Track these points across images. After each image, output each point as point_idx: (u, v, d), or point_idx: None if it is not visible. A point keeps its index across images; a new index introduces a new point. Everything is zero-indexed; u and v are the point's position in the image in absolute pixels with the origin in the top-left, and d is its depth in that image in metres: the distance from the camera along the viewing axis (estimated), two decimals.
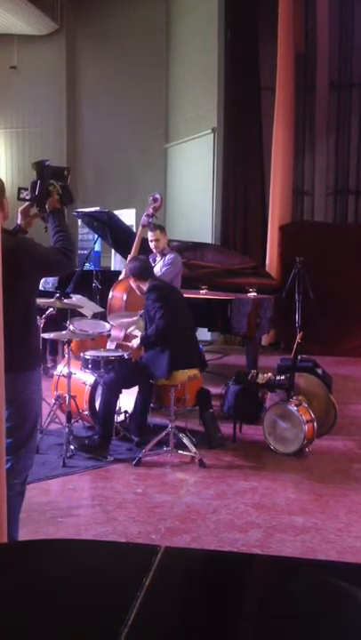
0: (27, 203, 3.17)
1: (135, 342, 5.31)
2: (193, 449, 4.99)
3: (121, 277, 6.32)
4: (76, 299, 6.46)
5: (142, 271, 5.17)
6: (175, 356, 4.94)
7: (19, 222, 3.19)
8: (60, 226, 3.16)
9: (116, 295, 6.10)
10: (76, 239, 11.86)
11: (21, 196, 3.14)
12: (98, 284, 8.09)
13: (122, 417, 5.51)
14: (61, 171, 3.27)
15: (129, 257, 6.23)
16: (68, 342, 5.22)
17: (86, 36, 13.20)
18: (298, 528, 3.90)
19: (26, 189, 3.13)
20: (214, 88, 11.17)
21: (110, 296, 6.16)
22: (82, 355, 5.44)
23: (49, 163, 3.22)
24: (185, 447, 5.03)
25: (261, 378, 5.77)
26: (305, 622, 1.31)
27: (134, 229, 7.68)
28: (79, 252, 11.30)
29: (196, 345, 5.29)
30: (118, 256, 9.85)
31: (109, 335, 5.95)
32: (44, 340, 5.98)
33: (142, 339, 5.14)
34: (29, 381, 3.08)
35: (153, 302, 4.99)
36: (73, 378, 5.19)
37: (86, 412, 5.34)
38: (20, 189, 3.12)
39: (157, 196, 6.29)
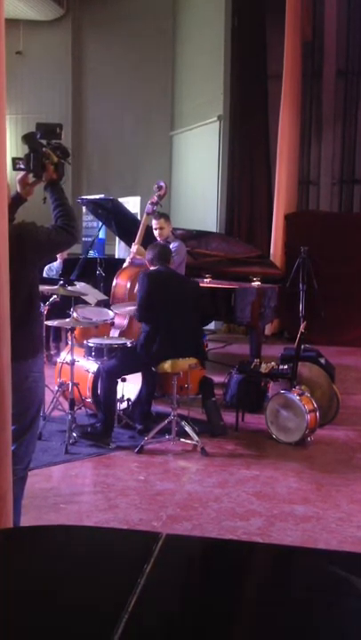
0: (23, 172, 3.15)
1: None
2: (195, 437, 5.00)
3: (125, 265, 6.31)
4: (79, 286, 6.47)
5: (153, 256, 5.20)
6: (160, 345, 4.97)
7: (18, 191, 3.18)
8: (59, 199, 3.14)
9: (120, 283, 6.09)
10: (81, 227, 11.85)
11: (17, 166, 3.12)
12: (102, 271, 8.08)
13: (124, 404, 5.52)
14: (53, 128, 3.24)
15: (133, 245, 6.23)
16: (72, 330, 5.23)
17: (92, 21, 13.11)
18: (299, 517, 3.92)
19: (21, 159, 3.11)
20: (221, 76, 11.11)
21: (114, 284, 6.15)
22: (85, 342, 5.44)
23: (40, 135, 3.19)
24: (187, 435, 5.04)
25: (264, 367, 5.77)
26: (304, 610, 1.32)
27: (139, 217, 7.65)
28: (84, 239, 11.29)
29: (189, 336, 5.23)
30: (122, 244, 9.85)
31: (113, 323, 5.95)
32: (47, 327, 6.00)
33: (134, 314, 5.29)
34: (31, 369, 3.09)
35: (139, 286, 5.08)
36: (76, 365, 5.19)
37: (89, 400, 5.35)
38: (14, 160, 3.09)
39: (162, 183, 6.27)
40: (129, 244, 7.12)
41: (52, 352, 7.84)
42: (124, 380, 5.25)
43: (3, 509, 2.51)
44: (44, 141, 3.18)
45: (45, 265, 8.63)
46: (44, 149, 3.14)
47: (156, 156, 12.84)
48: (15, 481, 2.94)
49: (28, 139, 3.15)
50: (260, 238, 10.64)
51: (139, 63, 12.67)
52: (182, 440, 5.06)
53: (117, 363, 5.13)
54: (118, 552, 1.55)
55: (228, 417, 5.57)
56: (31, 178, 3.15)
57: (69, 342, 5.24)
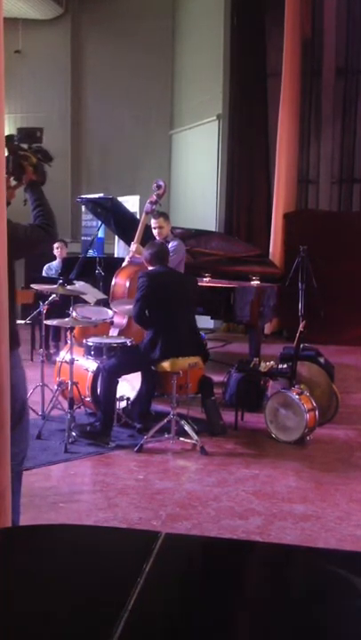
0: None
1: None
2: (195, 436, 5.00)
3: (124, 264, 6.31)
4: (79, 285, 6.47)
5: (151, 256, 5.21)
6: (164, 345, 4.98)
7: None
8: (38, 200, 3.15)
9: (119, 282, 6.09)
10: (80, 226, 11.86)
11: None
12: (101, 270, 8.09)
13: (124, 404, 5.52)
14: (34, 132, 3.24)
15: (132, 244, 6.23)
16: (71, 329, 5.23)
17: (91, 20, 13.11)
18: (298, 516, 3.92)
19: None
20: (220, 74, 11.11)
21: (113, 283, 6.15)
22: (84, 341, 5.45)
23: (17, 138, 3.19)
24: (187, 434, 5.04)
25: (264, 366, 5.77)
26: (303, 610, 1.32)
27: (138, 216, 7.65)
28: (83, 238, 11.29)
29: (191, 334, 5.24)
30: (122, 243, 9.85)
31: (112, 322, 5.95)
32: (46, 326, 6.00)
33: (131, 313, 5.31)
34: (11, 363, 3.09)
35: (138, 287, 5.09)
36: (75, 364, 5.19)
37: (88, 399, 5.35)
38: None
39: (161, 182, 6.26)
40: (128, 243, 7.11)
41: (52, 351, 7.84)
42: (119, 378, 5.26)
43: (2, 506, 2.51)
44: (25, 145, 3.18)
45: (44, 264, 8.64)
46: (21, 152, 3.14)
47: (156, 154, 12.83)
48: (12, 477, 2.93)
49: (5, 142, 3.16)
50: (260, 237, 10.64)
51: (138, 62, 12.66)
52: (182, 439, 5.06)
53: (118, 362, 5.13)
54: (118, 551, 1.55)
55: (228, 416, 5.57)
56: (12, 181, 3.16)
57: (69, 341, 5.24)
